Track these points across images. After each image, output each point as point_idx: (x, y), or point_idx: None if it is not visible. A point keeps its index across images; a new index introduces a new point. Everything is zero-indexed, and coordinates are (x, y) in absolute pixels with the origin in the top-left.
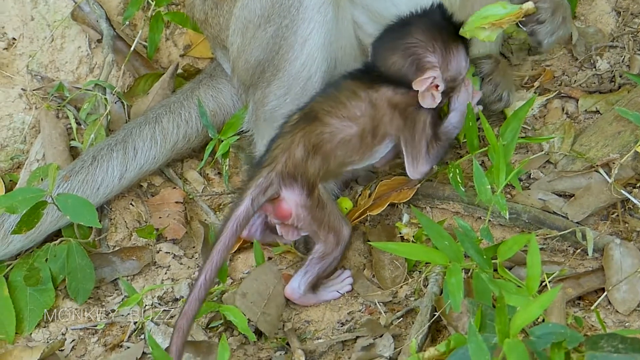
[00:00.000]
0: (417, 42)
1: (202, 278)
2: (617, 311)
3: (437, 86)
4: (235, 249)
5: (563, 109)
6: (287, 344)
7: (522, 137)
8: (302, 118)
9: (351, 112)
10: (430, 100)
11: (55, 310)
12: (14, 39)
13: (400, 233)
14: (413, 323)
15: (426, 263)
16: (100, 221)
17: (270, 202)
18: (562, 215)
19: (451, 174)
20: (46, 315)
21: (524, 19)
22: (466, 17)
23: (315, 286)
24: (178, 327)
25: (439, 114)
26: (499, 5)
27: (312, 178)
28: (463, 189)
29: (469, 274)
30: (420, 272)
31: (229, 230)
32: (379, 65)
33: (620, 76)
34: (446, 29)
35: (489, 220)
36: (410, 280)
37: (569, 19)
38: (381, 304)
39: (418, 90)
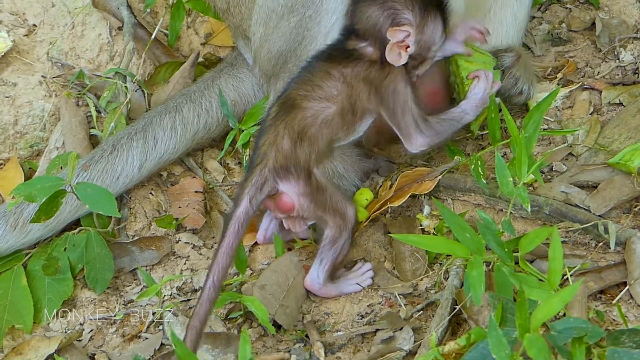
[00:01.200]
0: None
1: (210, 281)
2: (639, 305)
3: (407, 47)
4: (254, 241)
5: (590, 102)
6: (307, 336)
7: (545, 129)
8: (280, 109)
9: (327, 93)
10: (396, 57)
11: (73, 300)
12: (34, 25)
13: (421, 225)
14: (433, 316)
15: (447, 255)
16: (119, 210)
17: (271, 199)
18: (584, 208)
19: (473, 166)
20: (64, 305)
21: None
22: (488, 11)
23: (333, 275)
24: (191, 326)
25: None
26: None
27: (306, 165)
28: (485, 181)
29: (490, 267)
30: (440, 264)
31: (231, 232)
32: (355, 21)
33: None
34: None
35: (511, 213)
36: (430, 272)
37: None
38: (401, 296)
39: (392, 65)
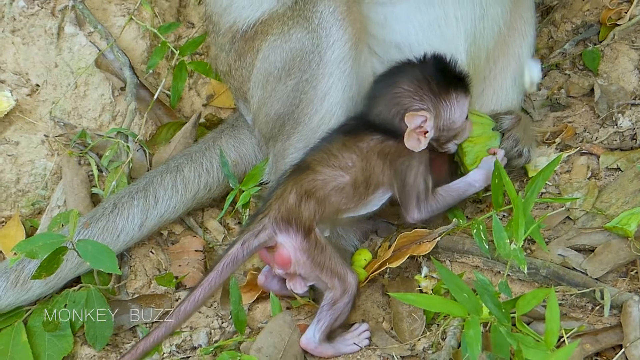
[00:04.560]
0: (402, 92)
1: (181, 308)
2: None
3: (426, 132)
4: (254, 299)
5: (588, 167)
6: None
7: (543, 194)
8: (294, 171)
9: (342, 163)
10: (414, 143)
11: (73, 356)
12: (37, 85)
13: (419, 286)
14: None
15: (445, 316)
16: (120, 268)
17: (269, 251)
18: (581, 271)
19: (475, 230)
20: None
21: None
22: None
23: (330, 336)
24: (138, 346)
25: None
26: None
27: (307, 222)
28: (486, 246)
29: (487, 328)
30: (438, 325)
31: (215, 270)
32: (367, 115)
33: None
34: (439, 79)
35: (508, 275)
36: (428, 333)
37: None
38: (399, 356)
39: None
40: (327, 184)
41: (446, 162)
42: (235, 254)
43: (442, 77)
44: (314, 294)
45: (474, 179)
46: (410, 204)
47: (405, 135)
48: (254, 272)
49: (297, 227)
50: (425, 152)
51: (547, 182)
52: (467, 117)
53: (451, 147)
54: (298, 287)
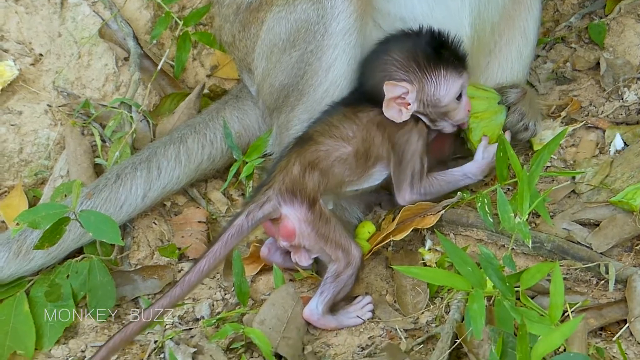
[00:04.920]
0: (390, 60)
1: (186, 277)
2: (639, 343)
3: (408, 104)
4: (257, 271)
5: (597, 144)
6: None
7: (548, 168)
8: (297, 143)
9: (343, 133)
10: (395, 113)
11: (75, 327)
12: (40, 54)
13: (422, 259)
14: (434, 349)
15: (448, 290)
16: (122, 239)
17: (274, 223)
18: (586, 246)
19: (479, 203)
20: (66, 331)
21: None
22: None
23: (333, 308)
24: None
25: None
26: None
27: (312, 193)
28: (491, 219)
29: (491, 301)
30: (442, 298)
31: (220, 240)
32: (360, 83)
33: None
34: (430, 53)
35: (512, 249)
36: (432, 306)
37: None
38: (402, 329)
39: (412, 119)
40: (330, 155)
41: (449, 142)
42: (240, 225)
43: (434, 52)
44: (317, 267)
45: (470, 171)
46: (404, 182)
47: (384, 104)
48: (257, 245)
49: (301, 198)
50: (424, 129)
51: (552, 156)
52: (460, 98)
53: (446, 126)
54: (302, 260)
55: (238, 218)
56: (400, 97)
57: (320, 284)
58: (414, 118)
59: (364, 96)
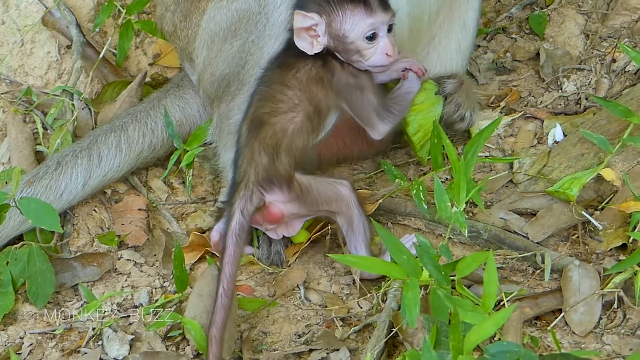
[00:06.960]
0: None
1: (221, 288)
2: (574, 332)
3: (318, 36)
4: (196, 259)
5: (535, 134)
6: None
7: (487, 157)
8: (250, 128)
9: (290, 104)
10: (306, 45)
11: (14, 313)
12: None
13: None
14: (370, 338)
15: (387, 279)
16: (62, 226)
17: (259, 212)
18: (522, 235)
19: (414, 191)
20: (5, 318)
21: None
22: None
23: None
24: (211, 336)
25: None
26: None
27: (286, 174)
28: (426, 207)
29: (428, 290)
30: (379, 287)
31: (229, 243)
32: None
33: (587, 99)
34: None
35: (450, 238)
36: (369, 295)
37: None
38: (339, 317)
39: (332, 61)
40: (286, 131)
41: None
42: (240, 222)
43: None
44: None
45: (410, 84)
46: (372, 119)
47: (294, 33)
48: (196, 233)
49: (279, 183)
50: (351, 67)
51: (491, 146)
52: (373, 40)
53: (364, 67)
54: (292, 231)
55: (234, 218)
56: (312, 29)
57: (346, 243)
58: (339, 61)
59: (296, 53)
